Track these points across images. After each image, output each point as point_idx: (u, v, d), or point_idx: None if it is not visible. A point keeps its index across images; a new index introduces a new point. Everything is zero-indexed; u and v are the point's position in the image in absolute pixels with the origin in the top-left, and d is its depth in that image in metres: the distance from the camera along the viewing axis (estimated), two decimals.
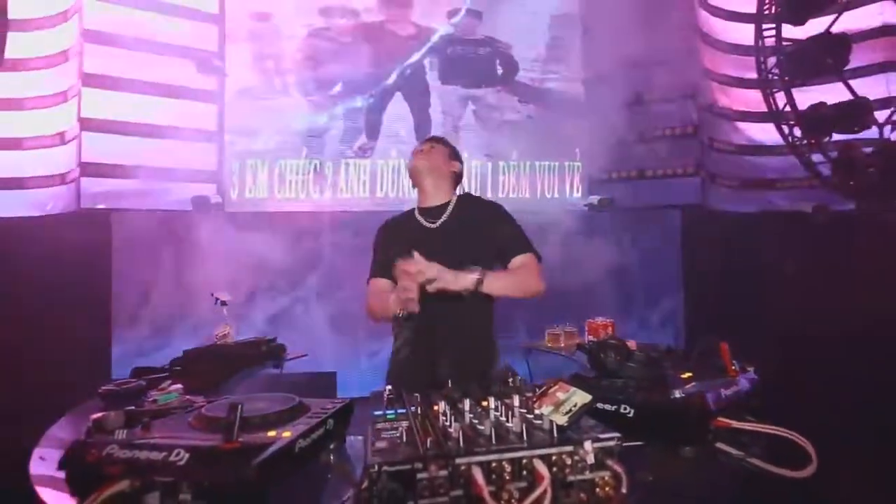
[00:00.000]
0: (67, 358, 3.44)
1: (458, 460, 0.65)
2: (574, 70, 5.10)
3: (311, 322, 4.27)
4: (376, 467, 0.63)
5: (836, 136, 4.11)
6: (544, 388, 0.89)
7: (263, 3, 4.81)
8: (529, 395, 0.92)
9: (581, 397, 0.78)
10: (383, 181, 4.84)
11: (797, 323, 3.86)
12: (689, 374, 1.20)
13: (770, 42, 4.18)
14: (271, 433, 0.83)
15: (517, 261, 1.61)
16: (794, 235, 4.16)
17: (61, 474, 0.80)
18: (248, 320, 4.06)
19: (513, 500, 0.63)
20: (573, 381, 0.92)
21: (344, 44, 4.90)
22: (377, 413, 0.87)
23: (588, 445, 0.69)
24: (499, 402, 0.85)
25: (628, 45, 4.80)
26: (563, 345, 2.33)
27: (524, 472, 0.66)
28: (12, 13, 4.17)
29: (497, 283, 1.50)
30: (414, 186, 1.77)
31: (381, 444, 0.70)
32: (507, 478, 0.65)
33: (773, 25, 4.15)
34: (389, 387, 1.01)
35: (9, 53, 4.22)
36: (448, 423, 0.77)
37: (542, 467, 0.65)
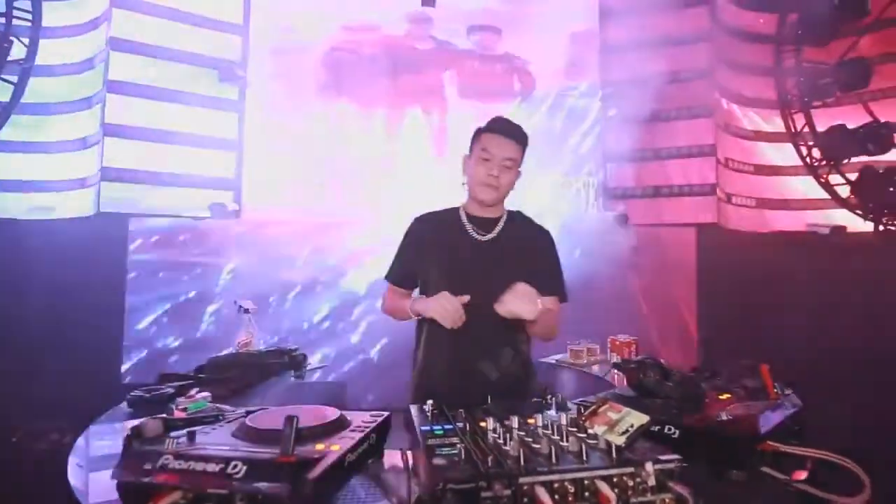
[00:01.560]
0: (80, 362, 3.46)
1: (521, 480, 0.64)
2: (592, 86, 5.13)
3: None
4: (441, 485, 0.62)
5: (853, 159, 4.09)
6: (594, 407, 0.88)
7: (287, 16, 4.90)
8: (574, 414, 0.91)
9: (637, 418, 0.77)
10: (399, 194, 4.87)
11: (813, 344, 3.82)
12: (728, 396, 1.19)
13: (790, 63, 4.19)
14: (319, 446, 0.83)
15: (547, 301, 1.48)
16: (811, 256, 4.13)
17: (105, 483, 0.80)
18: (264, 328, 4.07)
19: None
20: (616, 401, 0.91)
21: (365, 57, 4.97)
22: (424, 429, 0.86)
23: (649, 467, 0.68)
24: (547, 421, 0.85)
25: (646, 62, 4.84)
26: (584, 361, 2.30)
27: (586, 494, 0.65)
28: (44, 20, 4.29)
29: (543, 318, 1.41)
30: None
31: (439, 461, 0.69)
32: (570, 499, 0.64)
33: (794, 47, 4.16)
34: (431, 401, 1.00)
35: (38, 60, 4.33)
36: (502, 441, 0.76)
37: (606, 489, 0.64)
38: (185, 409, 1.36)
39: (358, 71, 4.93)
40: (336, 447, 0.82)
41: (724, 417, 0.94)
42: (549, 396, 1.06)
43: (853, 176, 4.06)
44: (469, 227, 1.55)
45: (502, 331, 1.44)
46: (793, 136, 4.24)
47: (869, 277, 3.88)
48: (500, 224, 1.57)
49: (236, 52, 4.82)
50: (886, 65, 4.28)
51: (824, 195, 4.26)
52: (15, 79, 4.23)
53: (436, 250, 1.54)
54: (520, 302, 1.28)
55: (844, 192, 4.11)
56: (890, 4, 4.39)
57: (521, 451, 0.70)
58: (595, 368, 2.18)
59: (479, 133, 1.57)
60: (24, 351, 3.45)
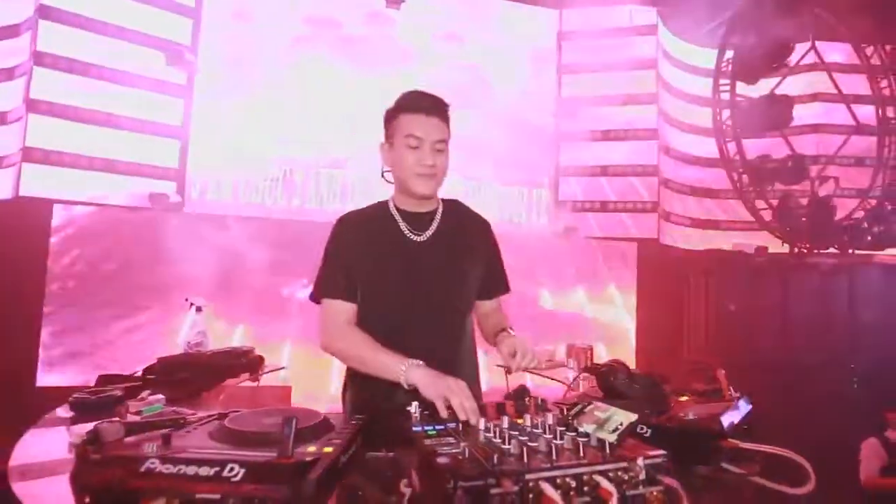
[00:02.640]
0: None
1: (528, 476, 0.66)
2: (547, 103, 5.33)
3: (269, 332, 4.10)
4: (453, 483, 0.63)
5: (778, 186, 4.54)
6: (580, 407, 0.92)
7: (244, 2, 4.71)
8: (559, 414, 0.94)
9: (624, 416, 0.82)
10: (355, 194, 4.80)
11: (736, 350, 4.19)
12: (686, 398, 1.28)
13: (725, 96, 4.59)
14: (311, 448, 0.80)
15: (496, 304, 1.47)
16: (737, 273, 4.52)
17: (59, 492, 0.73)
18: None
19: None
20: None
21: (326, 55, 4.87)
22: (417, 429, 0.86)
23: (640, 462, 0.72)
24: (537, 421, 0.87)
25: (599, 84, 5.13)
26: (545, 366, 2.38)
27: (586, 488, 0.68)
28: None
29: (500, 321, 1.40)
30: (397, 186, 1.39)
31: (444, 461, 0.70)
32: (572, 493, 0.67)
33: (728, 81, 4.56)
34: (416, 403, 1.00)
35: None
36: (499, 440, 0.78)
37: (607, 483, 0.67)
38: (138, 413, 1.26)
39: (319, 68, 4.82)
40: (329, 449, 0.80)
41: (691, 417, 1.02)
42: (526, 399, 1.09)
43: (776, 202, 4.50)
44: (403, 225, 1.34)
45: (448, 338, 1.35)
46: (725, 163, 4.64)
47: (785, 294, 4.32)
48: (437, 218, 1.37)
49: (186, 35, 4.56)
50: (807, 103, 4.82)
51: (750, 218, 4.69)
52: None
53: (368, 257, 1.32)
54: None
55: (768, 216, 4.54)
56: (808, 52, 4.96)
57: (524, 448, 0.72)
58: (557, 372, 2.26)
59: (395, 114, 1.32)
60: None
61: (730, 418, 1.03)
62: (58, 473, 0.92)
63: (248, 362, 1.96)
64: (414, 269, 1.32)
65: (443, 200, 1.43)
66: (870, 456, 2.85)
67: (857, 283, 4.31)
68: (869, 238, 4.20)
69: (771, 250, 4.50)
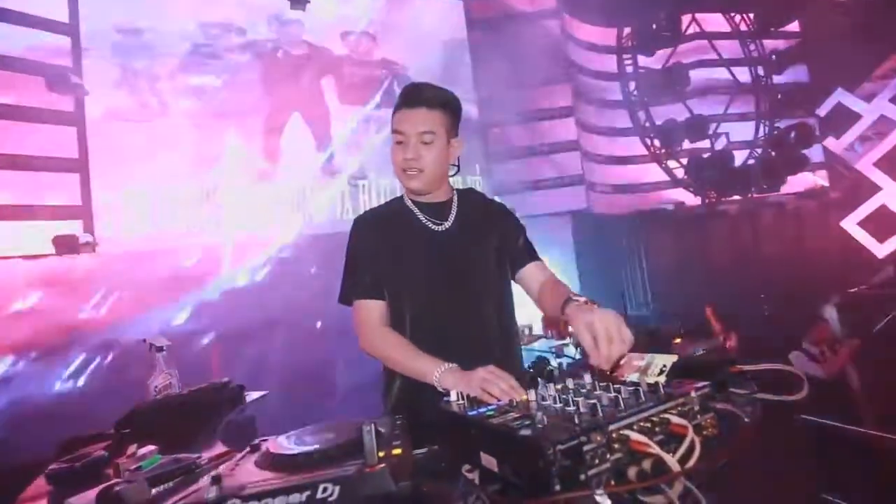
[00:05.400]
0: None
1: (611, 427, 0.69)
2: (467, 91, 5.43)
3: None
4: (552, 448, 0.64)
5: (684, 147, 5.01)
6: (615, 361, 0.97)
7: (127, 13, 4.27)
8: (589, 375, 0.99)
9: (664, 359, 0.88)
10: (289, 209, 4.59)
11: (674, 298, 4.59)
12: (679, 338, 1.39)
13: (629, 69, 4.96)
14: (380, 453, 0.78)
15: (534, 268, 1.37)
16: (661, 228, 4.95)
17: None
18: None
19: (670, 451, 0.69)
20: None
21: (231, 62, 4.58)
22: (473, 413, 0.86)
23: (694, 394, 0.78)
24: (578, 383, 0.91)
25: (512, 69, 5.32)
26: (524, 341, 2.46)
27: (658, 428, 0.73)
28: None
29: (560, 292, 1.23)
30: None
31: (527, 432, 0.71)
32: (648, 435, 0.71)
33: (630, 56, 4.94)
34: (455, 392, 0.98)
35: None
36: (560, 405, 0.81)
37: (678, 419, 0.72)
38: (138, 469, 1.14)
39: (224, 75, 4.52)
40: (398, 450, 0.78)
41: (701, 352, 1.11)
42: (546, 370, 1.13)
43: (685, 161, 4.96)
44: (422, 216, 1.32)
45: (484, 322, 1.29)
46: (638, 130, 5.03)
47: (703, 240, 4.79)
48: (454, 208, 1.35)
49: (65, 55, 4.07)
50: (697, 69, 5.35)
51: (665, 178, 5.13)
52: None
53: (392, 253, 1.28)
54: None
55: (679, 174, 5.01)
56: (690, 23, 5.50)
57: (595, 404, 0.75)
58: (536, 345, 2.35)
59: (393, 113, 1.30)
60: None
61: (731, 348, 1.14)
62: None
63: (229, 395, 1.83)
64: (441, 257, 1.28)
65: (457, 190, 1.40)
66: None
67: (759, 223, 4.90)
68: (764, 182, 4.77)
69: (688, 204, 4.98)
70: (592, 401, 0.78)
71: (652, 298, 4.64)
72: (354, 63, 5.05)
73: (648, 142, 4.99)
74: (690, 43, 5.34)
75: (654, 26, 4.63)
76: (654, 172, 5.41)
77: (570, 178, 5.44)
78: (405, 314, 1.28)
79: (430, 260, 1.29)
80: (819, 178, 5.80)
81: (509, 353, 1.33)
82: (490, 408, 0.88)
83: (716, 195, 5.03)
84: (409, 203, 1.35)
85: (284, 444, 0.85)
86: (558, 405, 0.81)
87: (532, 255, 1.39)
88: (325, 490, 0.62)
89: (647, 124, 4.90)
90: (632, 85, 5.00)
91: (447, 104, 1.30)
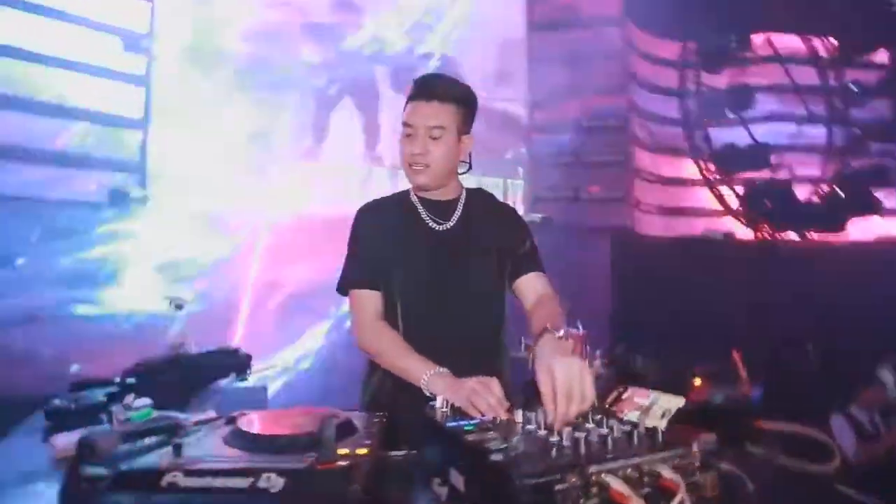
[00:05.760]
0: None
1: (591, 468, 0.62)
2: (518, 93, 5.34)
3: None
4: (518, 481, 0.58)
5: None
6: (616, 394, 0.89)
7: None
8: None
9: (669, 401, 0.80)
10: (326, 186, 4.65)
11: (710, 332, 4.33)
12: (699, 381, 1.28)
13: (690, 86, 4.72)
14: (343, 451, 0.74)
15: (533, 279, 1.30)
16: (705, 257, 4.69)
17: None
18: None
19: None
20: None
21: (291, 42, 4.68)
22: (452, 425, 0.81)
23: (696, 446, 0.70)
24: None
25: (568, 75, 5.17)
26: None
27: (646, 479, 0.65)
28: None
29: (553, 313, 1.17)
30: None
31: (498, 457, 0.65)
32: (634, 486, 0.64)
33: (693, 72, 4.70)
34: (439, 398, 0.94)
35: None
36: (545, 433, 0.74)
37: (670, 472, 0.64)
38: (127, 420, 1.15)
39: (284, 55, 4.63)
40: (363, 450, 0.74)
41: (719, 399, 1.01)
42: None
43: (741, 189, 4.68)
44: (424, 213, 1.28)
45: (476, 327, 1.26)
46: (692, 151, 4.78)
47: (751, 277, 4.50)
48: (459, 208, 1.30)
49: (144, 22, 4.26)
50: (765, 93, 5.02)
51: (717, 205, 4.86)
52: None
53: (390, 246, 1.26)
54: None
55: (733, 202, 4.73)
56: (763, 43, 5.16)
57: (583, 440, 0.68)
58: None
59: (405, 104, 1.25)
60: None
61: (753, 399, 1.03)
62: (38, 492, 0.83)
63: (236, 362, 1.86)
64: (438, 257, 1.25)
65: (466, 189, 1.35)
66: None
67: (816, 265, 4.55)
68: (825, 222, 4.44)
69: (736, 236, 4.69)
70: (580, 434, 0.71)
71: (686, 330, 4.40)
72: (409, 53, 5.05)
73: (702, 164, 4.74)
74: (761, 65, 5.02)
75: (722, 43, 4.37)
76: (704, 197, 5.14)
77: (614, 193, 5.25)
78: (398, 311, 1.25)
79: (427, 259, 1.25)
80: (890, 226, 5.33)
81: (500, 363, 1.28)
82: (471, 422, 0.83)
83: (770, 230, 4.71)
84: (413, 198, 1.30)
85: (253, 422, 0.83)
86: (543, 432, 0.75)
87: (533, 265, 1.32)
88: (268, 479, 0.59)
89: (704, 146, 4.65)
90: (691, 103, 4.76)
91: (461, 98, 1.24)
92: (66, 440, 1.00)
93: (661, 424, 0.75)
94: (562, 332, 1.00)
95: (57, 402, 1.24)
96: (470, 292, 1.28)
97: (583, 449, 0.67)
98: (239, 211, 4.24)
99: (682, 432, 0.75)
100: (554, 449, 0.66)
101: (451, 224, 1.29)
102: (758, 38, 5.07)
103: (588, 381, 0.84)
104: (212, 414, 1.07)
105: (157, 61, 4.24)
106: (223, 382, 1.89)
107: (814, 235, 4.83)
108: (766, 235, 4.66)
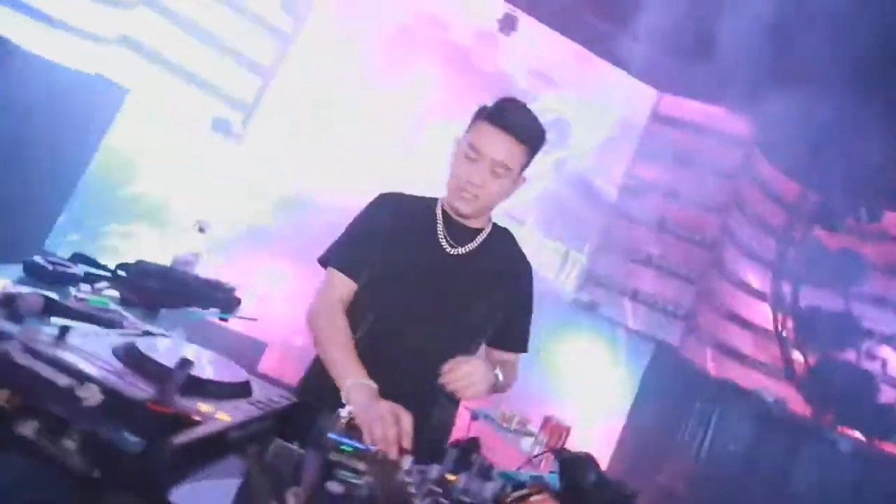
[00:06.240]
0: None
1: None
2: (619, 175, 5.20)
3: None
4: None
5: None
6: (525, 493, 0.76)
7: None
8: (499, 488, 0.79)
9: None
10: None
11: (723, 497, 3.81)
12: None
13: (796, 234, 4.33)
14: (205, 407, 0.68)
15: (511, 357, 1.28)
16: (746, 415, 4.17)
17: None
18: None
19: None
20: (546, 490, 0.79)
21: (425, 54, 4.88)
22: (333, 437, 0.72)
23: None
24: (469, 487, 0.72)
25: (673, 176, 4.95)
26: (512, 427, 2.18)
27: None
28: None
29: (500, 384, 1.15)
30: None
31: (334, 488, 0.56)
32: None
33: (807, 222, 4.31)
34: (350, 409, 0.86)
35: None
36: (414, 489, 0.63)
37: None
38: (83, 301, 1.17)
39: (420, 56, 4.85)
40: (224, 416, 0.67)
41: None
42: (473, 455, 0.93)
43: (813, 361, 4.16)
44: (442, 230, 1.21)
45: (440, 359, 1.10)
46: (774, 301, 4.35)
47: (791, 458, 3.92)
48: (481, 238, 1.23)
49: None
50: (879, 274, 4.49)
51: (778, 363, 4.36)
52: None
53: (393, 246, 1.20)
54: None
55: (800, 369, 4.21)
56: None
57: None
58: (522, 442, 2.07)
59: (478, 116, 1.17)
60: None
61: None
62: None
63: (223, 298, 1.87)
64: (437, 279, 1.19)
65: (495, 224, 1.29)
66: None
67: (872, 476, 3.89)
68: None
69: (789, 406, 4.15)
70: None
71: (695, 477, 3.91)
72: (526, 96, 5.12)
73: (780, 318, 4.28)
74: (885, 244, 4.50)
75: (850, 206, 3.99)
76: (767, 353, 4.63)
77: (675, 307, 4.89)
78: (371, 310, 1.18)
79: (425, 275, 1.19)
80: None
81: (451, 407, 1.21)
82: (356, 445, 0.73)
83: (833, 419, 4.13)
84: (439, 211, 1.24)
85: (154, 346, 0.79)
86: (414, 487, 0.64)
87: (520, 346, 1.30)
88: (88, 390, 0.53)
89: (789, 299, 4.21)
90: (792, 251, 4.35)
91: (536, 140, 1.18)
92: (35, 299, 1.02)
93: None
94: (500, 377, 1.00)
95: (38, 258, 1.30)
96: (457, 325, 1.21)
97: None
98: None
99: None
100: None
101: (465, 251, 1.22)
102: (893, 217, 4.59)
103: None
104: (164, 332, 1.05)
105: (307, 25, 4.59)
106: (207, 315, 1.90)
107: (885, 446, 4.16)
108: (825, 423, 4.08)
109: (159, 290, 1.59)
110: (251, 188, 4.06)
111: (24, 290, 0.86)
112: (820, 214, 4.43)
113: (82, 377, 0.55)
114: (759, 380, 4.54)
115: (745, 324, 4.90)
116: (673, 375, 4.58)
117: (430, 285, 1.18)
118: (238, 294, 1.96)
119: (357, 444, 0.73)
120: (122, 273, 1.60)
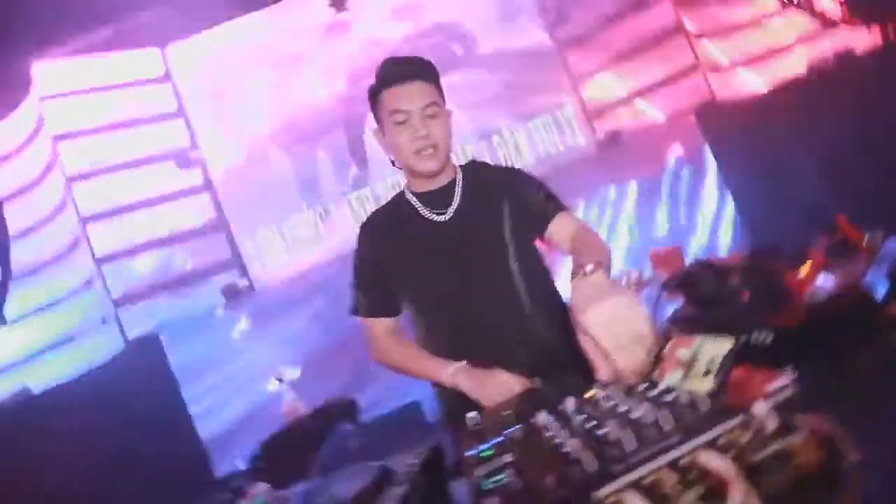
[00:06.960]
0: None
1: (601, 492, 0.46)
2: (532, 16, 4.85)
3: None
4: None
5: None
6: (655, 351, 0.69)
7: (215, 77, 4.74)
8: None
9: (716, 346, 0.59)
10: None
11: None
12: (808, 266, 0.97)
13: None
14: None
15: (561, 222, 1.21)
16: (817, 95, 3.71)
17: None
18: None
19: None
20: (678, 329, 0.72)
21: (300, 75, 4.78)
22: (470, 454, 0.69)
23: (761, 406, 0.48)
24: (604, 389, 0.67)
25: None
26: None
27: (690, 477, 0.47)
28: None
29: (605, 257, 1.08)
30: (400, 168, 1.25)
31: (490, 501, 0.52)
32: (671, 492, 0.46)
33: None
34: (474, 413, 0.84)
35: None
36: (560, 440, 0.59)
37: (718, 462, 0.45)
38: None
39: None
40: None
41: (823, 296, 0.74)
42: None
43: None
44: (422, 209, 1.22)
45: (508, 308, 1.18)
46: None
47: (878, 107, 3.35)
48: (458, 191, 1.22)
49: (183, 136, 4.72)
50: None
51: (811, 25, 3.86)
52: None
53: (397, 255, 1.23)
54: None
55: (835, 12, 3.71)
56: None
57: (585, 448, 0.52)
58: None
59: (376, 93, 1.19)
60: None
61: (878, 275, 0.73)
62: None
63: (343, 413, 1.92)
64: (445, 250, 1.20)
65: (460, 167, 1.29)
66: None
67: None
68: None
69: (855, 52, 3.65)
70: (601, 431, 0.55)
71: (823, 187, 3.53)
72: (410, 39, 4.88)
73: None
74: None
75: None
76: (793, 23, 4.13)
77: (681, 68, 4.54)
78: (422, 317, 1.23)
79: (434, 256, 1.21)
80: None
81: (552, 326, 1.17)
82: (495, 441, 0.70)
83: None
84: (409, 196, 1.26)
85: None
86: (560, 438, 0.59)
87: (556, 208, 1.24)
88: None
89: None
90: None
91: (436, 74, 1.22)
92: None
93: (706, 385, 0.55)
94: (590, 267, 0.81)
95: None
96: (487, 275, 1.20)
97: (591, 461, 0.51)
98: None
99: (743, 386, 0.54)
100: (550, 477, 0.50)
101: (452, 211, 1.22)
102: None
103: (634, 316, 0.70)
104: None
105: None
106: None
107: None
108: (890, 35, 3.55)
109: (295, 451, 1.66)
110: None
111: None
112: None
113: None
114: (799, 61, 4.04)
115: (747, 24, 4.40)
116: (730, 122, 4.21)
117: (442, 259, 1.20)
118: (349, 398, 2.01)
119: (493, 443, 0.70)
120: (259, 465, 1.69)
